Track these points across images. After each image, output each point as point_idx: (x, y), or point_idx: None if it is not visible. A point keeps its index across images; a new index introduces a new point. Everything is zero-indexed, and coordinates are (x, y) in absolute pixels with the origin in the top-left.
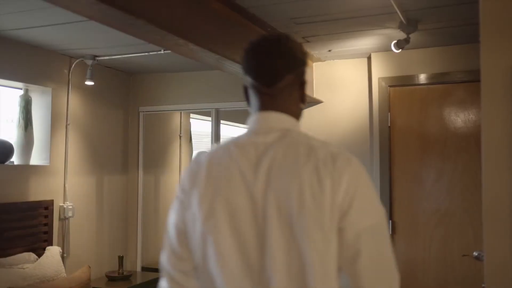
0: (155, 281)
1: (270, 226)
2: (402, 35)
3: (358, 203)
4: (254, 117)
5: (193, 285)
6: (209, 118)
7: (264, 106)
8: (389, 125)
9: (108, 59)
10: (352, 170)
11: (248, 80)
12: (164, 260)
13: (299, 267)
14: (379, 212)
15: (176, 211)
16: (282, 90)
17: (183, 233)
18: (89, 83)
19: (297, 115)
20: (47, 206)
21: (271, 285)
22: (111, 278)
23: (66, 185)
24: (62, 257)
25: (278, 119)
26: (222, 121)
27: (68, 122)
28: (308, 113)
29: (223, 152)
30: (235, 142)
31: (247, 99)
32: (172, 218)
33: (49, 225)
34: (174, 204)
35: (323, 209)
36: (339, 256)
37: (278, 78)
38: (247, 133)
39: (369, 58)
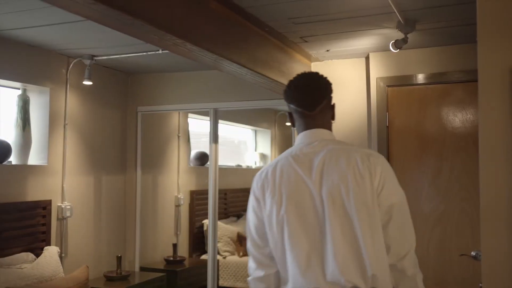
0: (153, 281)
1: (327, 210)
2: (400, 35)
3: (387, 186)
4: (302, 134)
5: (272, 263)
6: (207, 118)
7: (308, 125)
8: (387, 125)
9: (106, 59)
10: (381, 163)
11: (292, 107)
12: (249, 246)
13: (352, 235)
14: (401, 193)
15: (253, 213)
16: (320, 112)
17: (260, 228)
18: (87, 83)
19: (330, 128)
20: (45, 206)
21: (331, 252)
22: (109, 278)
23: (64, 185)
24: (60, 257)
25: (320, 133)
26: (220, 121)
27: (66, 122)
28: None
29: (283, 162)
30: (291, 153)
31: (292, 121)
32: (251, 218)
33: (47, 225)
34: (250, 207)
35: (366, 192)
36: None
37: (317, 104)
38: (298, 146)
39: (367, 58)
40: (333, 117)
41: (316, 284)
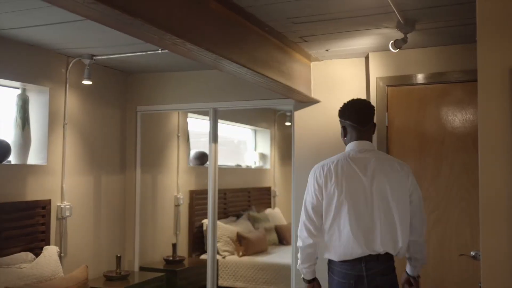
0: (153, 281)
1: (375, 200)
2: (399, 34)
3: (415, 189)
4: (354, 143)
5: (319, 235)
6: (207, 118)
7: (359, 137)
8: (386, 124)
9: (105, 58)
10: (411, 172)
11: (348, 123)
12: (305, 220)
13: (390, 220)
14: (420, 193)
15: (314, 195)
16: (368, 128)
17: (317, 207)
18: (86, 82)
19: (372, 140)
20: (45, 205)
21: (371, 232)
22: (108, 278)
23: (64, 185)
24: (60, 257)
25: (368, 144)
26: (220, 121)
27: (66, 122)
28: (306, 113)
29: (343, 162)
30: (348, 156)
31: (345, 133)
32: (310, 199)
33: (47, 224)
34: (311, 191)
35: (403, 191)
36: None
37: (367, 122)
38: (353, 151)
39: (366, 58)
40: (373, 132)
41: (362, 251)
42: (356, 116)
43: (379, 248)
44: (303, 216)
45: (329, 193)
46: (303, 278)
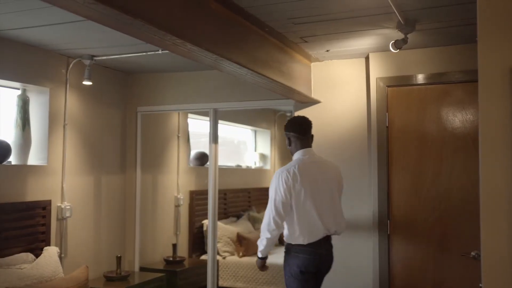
0: (153, 281)
1: (327, 194)
2: (400, 35)
3: (342, 181)
4: (303, 150)
5: (283, 227)
6: (207, 118)
7: (305, 146)
8: (387, 125)
9: (106, 59)
10: (340, 169)
11: (292, 134)
12: (275, 216)
13: (337, 208)
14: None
15: (284, 195)
16: (308, 137)
17: (286, 204)
18: (87, 83)
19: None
20: (45, 206)
21: (326, 216)
22: (109, 278)
23: (64, 185)
24: (60, 257)
25: (312, 150)
26: (220, 121)
27: (66, 122)
28: (306, 113)
29: (302, 165)
30: (303, 161)
31: (290, 143)
32: (279, 199)
33: (47, 225)
34: (279, 191)
35: (340, 184)
36: None
37: (309, 132)
38: (305, 156)
39: (367, 58)
40: (312, 141)
41: (324, 232)
42: (299, 128)
43: (333, 230)
44: (272, 213)
45: (297, 191)
46: (260, 257)
